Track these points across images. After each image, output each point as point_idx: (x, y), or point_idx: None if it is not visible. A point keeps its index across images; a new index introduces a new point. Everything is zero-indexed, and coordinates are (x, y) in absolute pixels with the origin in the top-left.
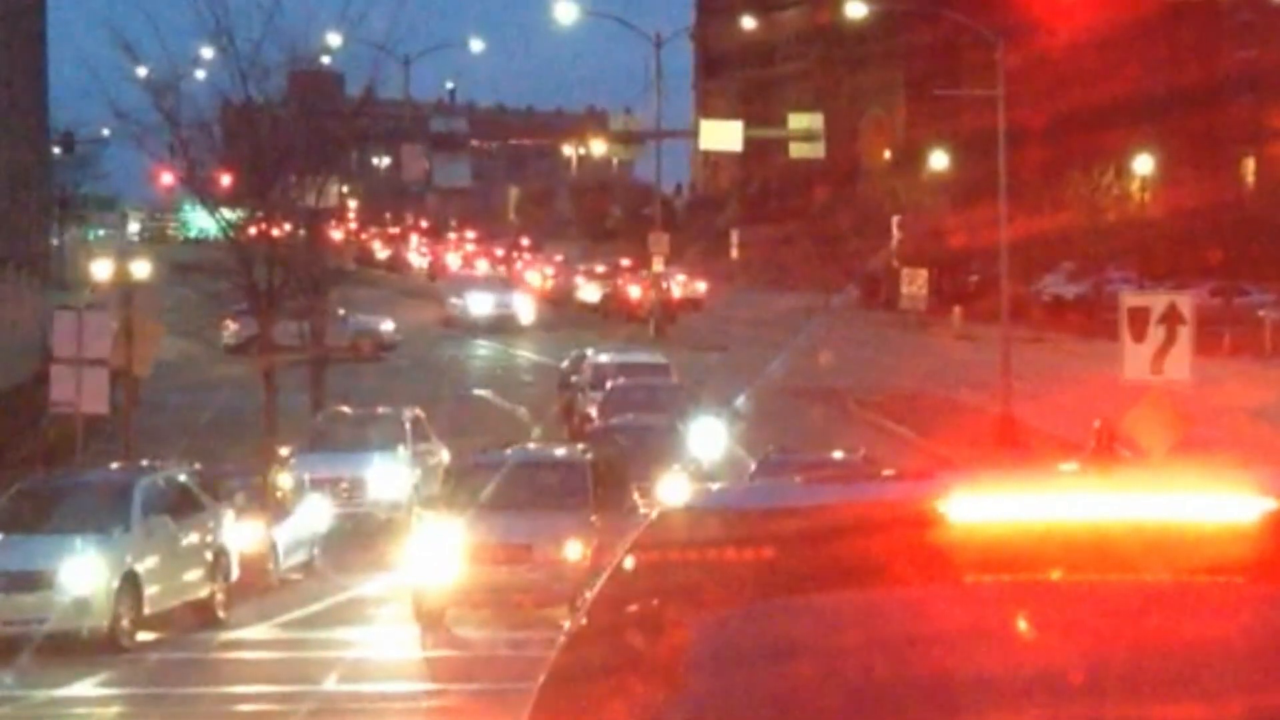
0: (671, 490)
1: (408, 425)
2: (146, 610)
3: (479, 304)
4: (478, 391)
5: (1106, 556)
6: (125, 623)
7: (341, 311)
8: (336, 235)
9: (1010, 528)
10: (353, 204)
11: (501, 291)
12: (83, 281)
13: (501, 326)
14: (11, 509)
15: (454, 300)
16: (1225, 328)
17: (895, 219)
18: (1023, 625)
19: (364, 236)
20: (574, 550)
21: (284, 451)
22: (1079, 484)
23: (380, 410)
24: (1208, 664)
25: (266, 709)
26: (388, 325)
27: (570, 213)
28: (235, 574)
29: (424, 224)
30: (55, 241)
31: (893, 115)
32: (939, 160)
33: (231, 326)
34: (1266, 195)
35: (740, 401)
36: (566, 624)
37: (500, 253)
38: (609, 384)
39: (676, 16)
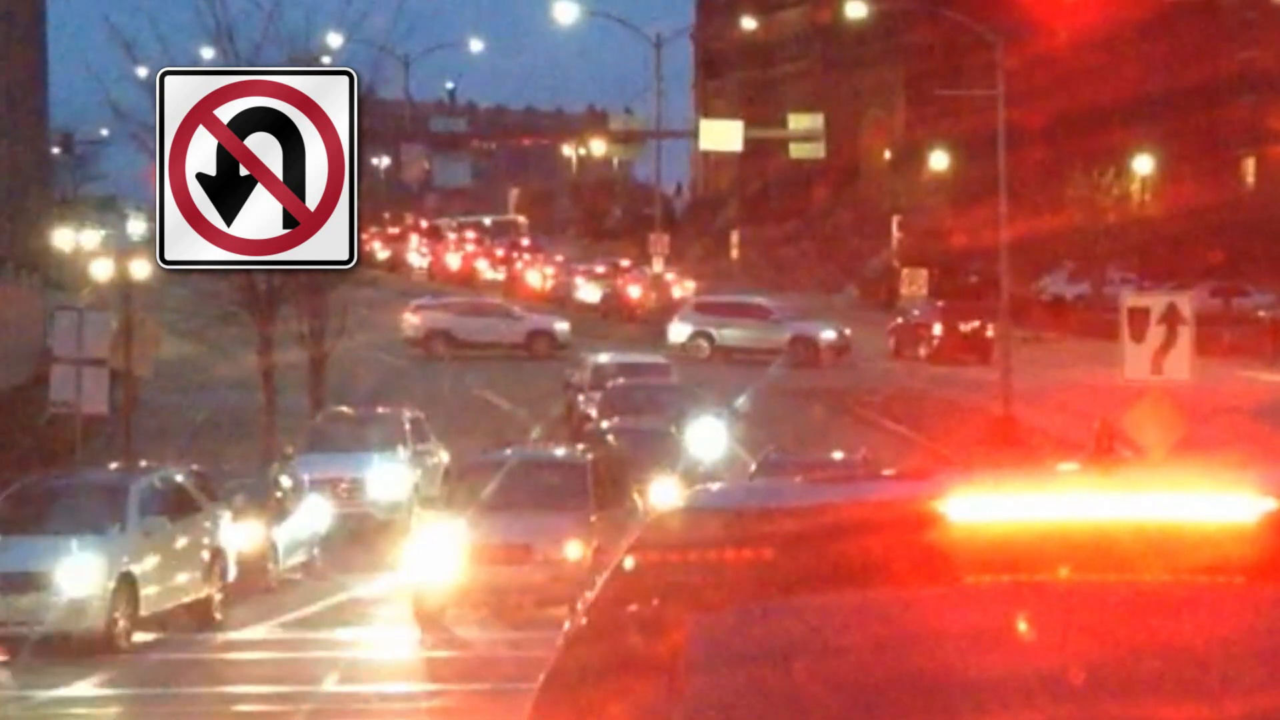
0: (667, 493)
1: (407, 426)
2: (143, 611)
3: (824, 331)
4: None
5: (1107, 557)
6: (122, 624)
7: (516, 309)
8: None
9: (1010, 528)
10: None
11: (829, 323)
12: (82, 281)
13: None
14: (8, 510)
15: (696, 330)
16: (1225, 328)
17: (895, 219)
18: (1023, 626)
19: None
20: (574, 550)
21: (285, 451)
22: (1079, 484)
23: (380, 410)
24: (1208, 664)
25: (266, 709)
26: (562, 325)
27: (570, 213)
28: (232, 574)
29: (424, 224)
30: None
31: (893, 115)
32: (939, 160)
33: (412, 320)
34: (1266, 195)
35: (740, 401)
36: (566, 624)
37: (500, 253)
38: (609, 384)
39: (676, 16)
